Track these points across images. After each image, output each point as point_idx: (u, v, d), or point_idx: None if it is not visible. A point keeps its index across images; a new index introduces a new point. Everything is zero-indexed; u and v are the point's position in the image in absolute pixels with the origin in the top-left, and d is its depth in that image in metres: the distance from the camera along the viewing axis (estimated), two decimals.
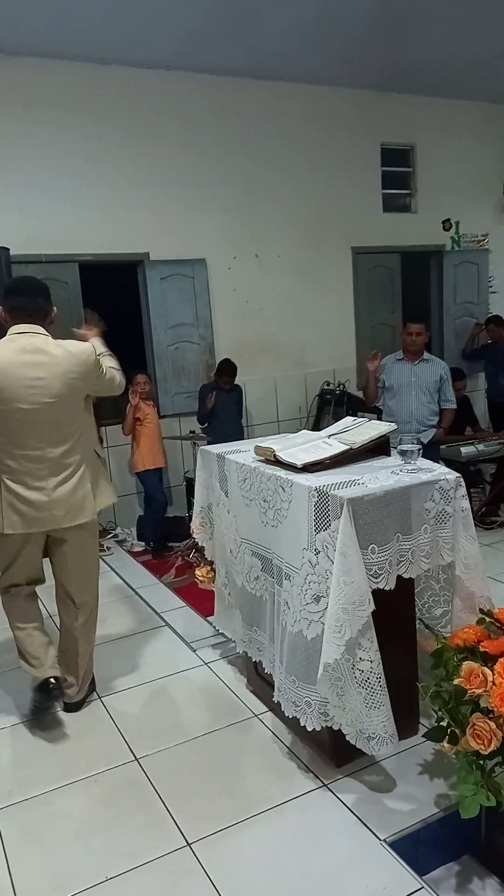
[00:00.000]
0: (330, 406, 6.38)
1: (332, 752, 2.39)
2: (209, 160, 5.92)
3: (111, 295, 6.18)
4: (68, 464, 2.66)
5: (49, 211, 5.33)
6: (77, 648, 2.84)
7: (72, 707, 2.88)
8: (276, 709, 2.77)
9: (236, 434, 5.38)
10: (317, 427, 6.14)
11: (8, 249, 4.69)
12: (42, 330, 2.63)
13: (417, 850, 2.07)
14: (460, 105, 7.05)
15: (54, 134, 5.29)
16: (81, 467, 2.69)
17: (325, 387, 6.56)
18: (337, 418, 5.99)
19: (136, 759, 2.55)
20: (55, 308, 2.72)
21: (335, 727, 2.19)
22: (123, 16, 4.65)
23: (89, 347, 2.70)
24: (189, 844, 2.12)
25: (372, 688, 2.09)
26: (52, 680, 2.70)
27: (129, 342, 6.15)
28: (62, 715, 2.88)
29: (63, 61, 5.23)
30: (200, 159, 5.88)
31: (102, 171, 5.49)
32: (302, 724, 2.27)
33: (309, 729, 2.24)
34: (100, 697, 3.00)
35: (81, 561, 2.79)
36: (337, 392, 6.39)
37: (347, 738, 2.19)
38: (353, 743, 2.18)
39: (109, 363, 2.86)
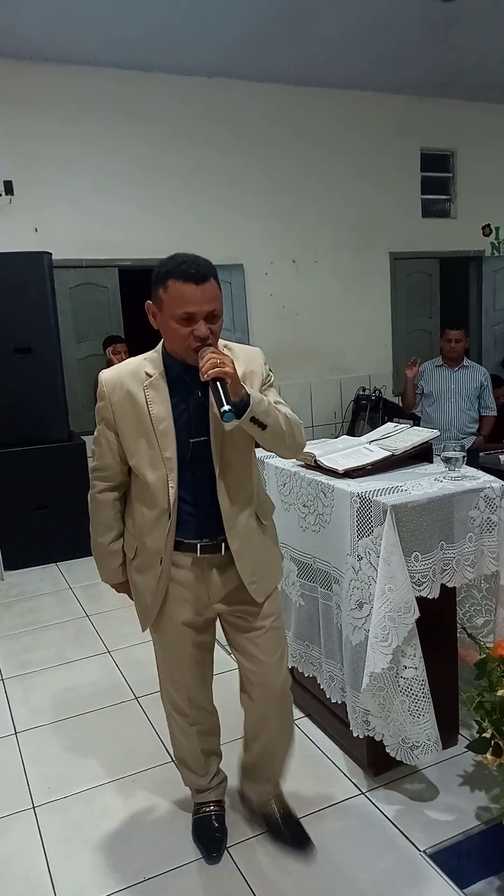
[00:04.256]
0: (365, 412, 6.35)
1: (371, 761, 2.37)
2: (247, 166, 5.95)
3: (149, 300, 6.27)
4: None
5: (90, 217, 5.41)
6: None
7: None
8: (312, 714, 2.76)
9: None
10: (352, 432, 6.12)
11: (50, 254, 4.77)
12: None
13: (458, 862, 2.04)
14: (503, 110, 6.98)
15: (96, 140, 5.38)
16: None
17: (361, 392, 6.53)
18: (372, 424, 5.98)
19: (174, 761, 2.56)
20: (147, 302, 1.83)
21: (377, 738, 2.17)
22: (170, 26, 4.71)
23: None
24: (227, 848, 2.12)
25: (416, 696, 2.07)
26: None
27: None
28: (99, 714, 2.92)
29: (107, 69, 5.31)
30: (238, 165, 5.92)
31: (143, 177, 5.57)
32: (350, 729, 2.26)
33: (354, 735, 2.23)
34: (136, 698, 3.02)
35: None
36: (373, 398, 6.36)
37: (388, 749, 2.17)
38: (394, 755, 2.16)
39: None
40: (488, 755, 1.99)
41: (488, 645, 2.22)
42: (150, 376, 1.83)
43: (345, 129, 6.31)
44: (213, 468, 1.84)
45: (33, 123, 5.17)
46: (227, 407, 1.63)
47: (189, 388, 1.82)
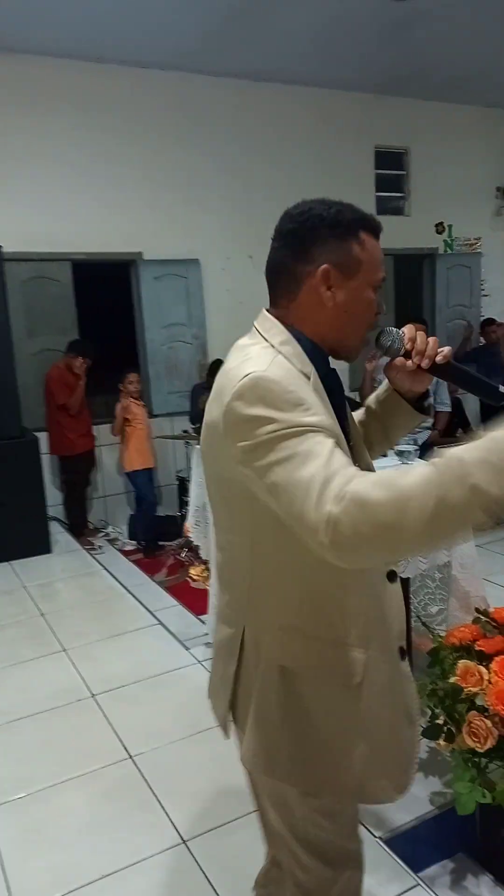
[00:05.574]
0: None
1: None
2: (203, 161, 5.93)
3: (104, 294, 6.19)
4: (225, 612, 1.32)
5: (42, 209, 5.32)
6: None
7: None
8: None
9: None
10: None
11: (0, 247, 4.68)
12: (268, 316, 1.28)
13: (413, 847, 2.08)
14: (456, 109, 7.10)
15: (48, 133, 5.29)
16: (237, 629, 1.25)
17: None
18: None
19: (131, 757, 2.55)
20: (324, 265, 1.22)
21: None
22: (122, 17, 4.65)
23: (243, 377, 1.09)
24: (185, 842, 2.12)
25: None
26: None
27: (121, 340, 6.15)
28: (56, 713, 2.88)
29: (57, 59, 5.22)
30: (194, 160, 5.89)
31: (97, 170, 5.49)
32: None
33: None
34: (93, 696, 2.99)
35: (264, 809, 1.41)
36: None
37: None
38: None
39: (282, 457, 1.01)
40: (441, 741, 2.03)
41: (441, 633, 2.27)
42: (308, 377, 1.15)
43: (301, 126, 6.33)
44: None
45: None
46: None
47: (332, 397, 1.19)
